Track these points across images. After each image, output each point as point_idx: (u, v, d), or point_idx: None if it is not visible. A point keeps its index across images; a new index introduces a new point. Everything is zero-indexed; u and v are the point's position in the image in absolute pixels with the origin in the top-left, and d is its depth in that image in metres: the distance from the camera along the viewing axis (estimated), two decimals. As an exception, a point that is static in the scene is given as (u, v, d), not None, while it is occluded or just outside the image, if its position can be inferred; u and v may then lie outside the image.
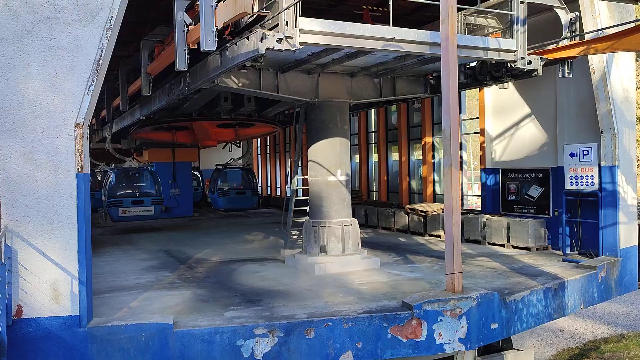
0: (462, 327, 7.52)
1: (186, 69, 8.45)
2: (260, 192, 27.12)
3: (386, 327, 7.21)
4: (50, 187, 6.32)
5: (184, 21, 8.20)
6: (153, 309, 7.78)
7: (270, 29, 7.47)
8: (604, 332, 15.80)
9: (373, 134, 20.93)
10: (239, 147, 25.36)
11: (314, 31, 7.62)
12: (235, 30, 8.51)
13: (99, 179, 25.13)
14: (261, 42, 7.08)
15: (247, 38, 7.40)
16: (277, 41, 7.13)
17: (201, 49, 7.23)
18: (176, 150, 23.44)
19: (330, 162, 10.71)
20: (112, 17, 6.48)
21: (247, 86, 9.91)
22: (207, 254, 13.08)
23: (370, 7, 12.76)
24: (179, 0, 8.32)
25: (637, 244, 11.86)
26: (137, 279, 10.09)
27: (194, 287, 9.25)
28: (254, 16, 7.73)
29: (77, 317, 6.39)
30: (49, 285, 6.29)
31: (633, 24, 9.28)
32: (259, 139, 30.84)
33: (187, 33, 8.18)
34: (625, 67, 11.49)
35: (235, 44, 7.77)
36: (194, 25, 8.06)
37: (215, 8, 7.24)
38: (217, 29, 7.25)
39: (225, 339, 6.67)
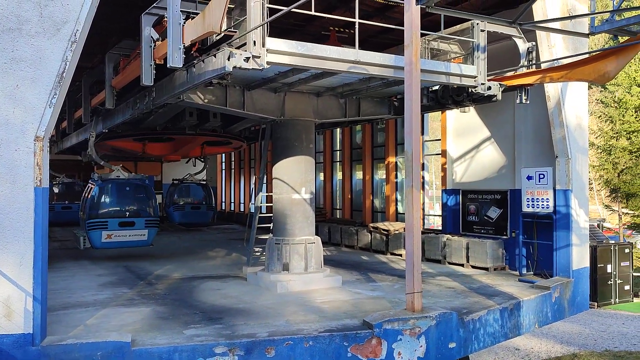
0: (421, 346, 7.64)
1: (152, 84, 8.41)
2: (215, 207, 26.94)
3: (346, 346, 7.26)
4: (6, 201, 6.17)
5: (151, 36, 8.19)
6: (110, 326, 7.62)
7: (238, 48, 7.54)
8: (557, 350, 16.20)
9: (338, 152, 21.13)
10: (203, 162, 25.22)
11: (282, 51, 7.72)
12: (202, 47, 8.55)
13: (56, 190, 24.48)
14: (228, 60, 7.12)
15: (215, 56, 7.44)
16: (244, 60, 7.19)
17: (168, 66, 7.23)
18: (139, 164, 23.10)
19: (295, 180, 10.78)
20: (77, 30, 6.43)
21: (213, 103, 9.91)
22: (168, 270, 12.88)
23: (337, 29, 13.01)
24: (146, 15, 8.32)
25: (588, 265, 12.30)
26: (94, 296, 9.86)
27: (154, 304, 9.10)
28: (222, 34, 7.78)
29: (30, 335, 6.21)
30: (1, 302, 6.10)
31: (586, 56, 9.74)
32: (223, 155, 30.67)
33: (153, 48, 8.17)
34: (579, 95, 12.02)
35: (203, 61, 7.80)
36: (161, 40, 8.06)
37: (183, 25, 7.27)
38: (184, 45, 7.27)
39: (185, 357, 6.59)
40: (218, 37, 8.01)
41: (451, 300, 9.61)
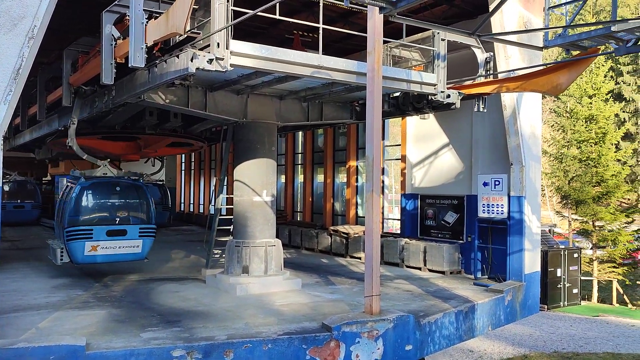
0: (379, 348, 7.77)
1: (112, 83, 8.27)
2: (173, 208, 26.58)
3: (305, 349, 7.31)
4: (-44, 200, 5.94)
5: (112, 34, 8.05)
6: (64, 329, 7.44)
7: (201, 49, 7.50)
8: (509, 352, 16.69)
9: (300, 155, 21.18)
10: (161, 161, 24.85)
11: (246, 54, 7.72)
12: (165, 47, 8.45)
13: (7, 189, 23.61)
14: (192, 61, 7.08)
15: (178, 56, 7.38)
16: (207, 62, 7.16)
17: (130, 65, 7.13)
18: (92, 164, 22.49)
19: (256, 183, 10.77)
20: (35, 26, 6.29)
21: (175, 103, 9.81)
22: (125, 271, 12.64)
23: (301, 33, 13.07)
24: (107, 13, 8.18)
25: (539, 269, 12.74)
26: (47, 298, 9.59)
27: (109, 307, 8.93)
28: (185, 35, 7.73)
29: (-20, 339, 5.98)
30: (-51, 305, 5.88)
31: (540, 68, 10.12)
32: (183, 155, 30.27)
33: (114, 47, 8.03)
34: (533, 105, 12.46)
35: (165, 61, 7.72)
36: (122, 39, 7.94)
37: (145, 25, 7.18)
38: (147, 45, 7.19)
39: (141, 361, 6.51)
40: (181, 38, 7.94)
41: (408, 303, 9.79)
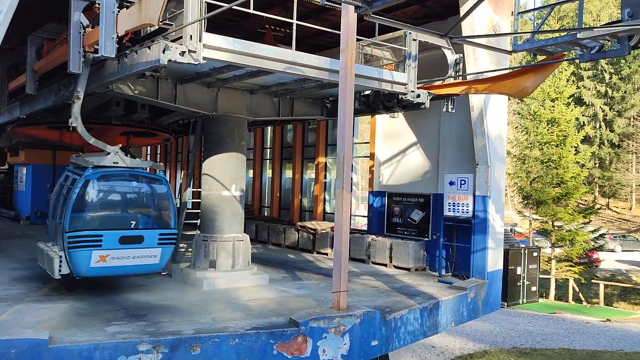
0: (345, 343, 7.85)
1: (80, 72, 8.08)
2: None
3: (272, 344, 7.33)
4: None
5: (81, 22, 7.87)
6: (25, 323, 7.26)
7: (173, 41, 7.41)
8: (470, 347, 17.09)
9: (268, 150, 21.13)
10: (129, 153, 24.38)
11: (218, 47, 7.67)
12: (135, 37, 8.31)
13: None
14: (163, 53, 6.99)
15: (149, 47, 7.27)
16: (180, 54, 7.08)
17: (99, 55, 6.99)
18: (57, 153, 21.91)
19: (225, 177, 10.71)
20: (0, 11, 6.10)
21: (144, 94, 9.66)
22: (87, 265, 12.35)
23: (273, 27, 13.02)
24: (75, 0, 7.98)
25: (501, 267, 13.07)
26: (6, 290, 9.33)
27: (73, 300, 8.75)
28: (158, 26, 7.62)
29: (-63, 332, 5.77)
30: None
31: (507, 71, 10.36)
32: (149, 147, 29.77)
33: (83, 35, 7.86)
34: (500, 107, 12.74)
35: (136, 52, 7.60)
36: (92, 27, 7.77)
37: (117, 14, 7.05)
38: (117, 35, 7.06)
39: (106, 355, 6.41)
40: (153, 29, 7.83)
41: (375, 299, 9.92)
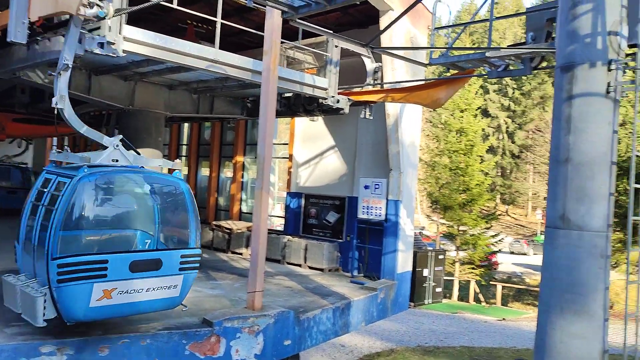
0: (259, 343, 7.92)
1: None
2: None
3: (185, 344, 7.25)
4: None
5: (-11, 3, 7.34)
6: None
7: (91, 31, 7.12)
8: (378, 346, 17.68)
9: (184, 146, 20.68)
10: (27, 143, 22.93)
11: (139, 41, 7.48)
12: (47, 23, 7.89)
13: None
14: (80, 43, 6.72)
15: (64, 36, 6.94)
16: (98, 45, 6.83)
17: (8, 40, 6.57)
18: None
19: (139, 173, 10.39)
20: None
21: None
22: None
23: (194, 23, 12.81)
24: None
25: (410, 269, 13.67)
26: None
27: (-34, 300, 8.11)
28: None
29: None
30: None
31: (422, 82, 10.88)
32: (55, 139, 28.12)
33: (-9, 16, 7.33)
34: (414, 115, 13.32)
35: (49, 39, 7.23)
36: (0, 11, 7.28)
37: (29, -2, 6.66)
38: (29, 20, 6.67)
39: (4, 358, 6.04)
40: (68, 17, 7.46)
41: (289, 299, 10.04)
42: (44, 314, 6.16)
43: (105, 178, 6.85)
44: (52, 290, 6.10)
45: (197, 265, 7.36)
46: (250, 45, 15.48)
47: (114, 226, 7.32)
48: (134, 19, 9.09)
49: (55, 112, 6.66)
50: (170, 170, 7.73)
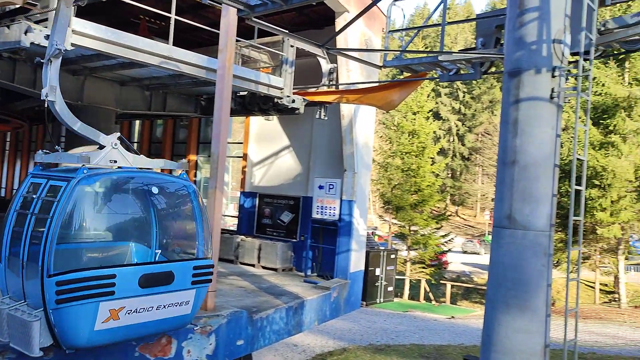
0: (211, 344, 7.84)
1: None
2: None
3: (135, 345, 7.09)
4: None
5: None
6: None
7: (37, 22, 6.89)
8: (330, 345, 17.81)
9: (135, 144, 20.21)
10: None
11: (89, 35, 7.27)
12: (-8, 13, 7.57)
13: None
14: (25, 35, 6.49)
15: (8, 27, 6.69)
16: (45, 37, 6.61)
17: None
18: None
19: (88, 171, 10.10)
20: None
21: (-2, 76, 8.80)
22: None
23: (147, 18, 12.55)
24: None
25: (363, 268, 13.84)
26: None
27: None
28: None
29: None
30: None
31: (377, 84, 11.04)
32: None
33: None
34: (368, 117, 13.50)
35: (-7, 29, 6.93)
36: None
37: (-28, -14, 6.38)
38: (-29, 10, 6.39)
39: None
40: (13, 7, 7.18)
41: (242, 299, 9.99)
42: (40, 341, 5.37)
43: (107, 180, 6.05)
44: (49, 313, 5.32)
45: (210, 278, 6.75)
46: (205, 42, 15.30)
47: (119, 236, 6.47)
48: (84, 12, 8.84)
49: (46, 105, 6.01)
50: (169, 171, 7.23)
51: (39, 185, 6.04)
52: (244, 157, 15.58)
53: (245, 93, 11.69)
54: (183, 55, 8.53)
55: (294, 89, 10.87)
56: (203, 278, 6.52)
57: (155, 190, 6.51)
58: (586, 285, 31.04)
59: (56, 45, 6.00)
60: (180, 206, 6.94)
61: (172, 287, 6.13)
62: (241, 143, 16.27)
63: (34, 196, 5.95)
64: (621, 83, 24.42)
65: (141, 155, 6.53)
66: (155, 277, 5.95)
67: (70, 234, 5.63)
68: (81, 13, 7.34)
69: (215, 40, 8.22)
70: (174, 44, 8.47)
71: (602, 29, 6.44)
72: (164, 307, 6.10)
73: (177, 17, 8.62)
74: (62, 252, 5.44)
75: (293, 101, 10.71)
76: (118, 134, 6.40)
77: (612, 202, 24.49)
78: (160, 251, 6.34)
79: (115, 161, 6.19)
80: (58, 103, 6.12)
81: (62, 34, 6.08)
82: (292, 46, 10.52)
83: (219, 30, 8.38)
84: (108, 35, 7.52)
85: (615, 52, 7.48)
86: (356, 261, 13.12)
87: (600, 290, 30.68)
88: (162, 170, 7.46)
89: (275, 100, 10.88)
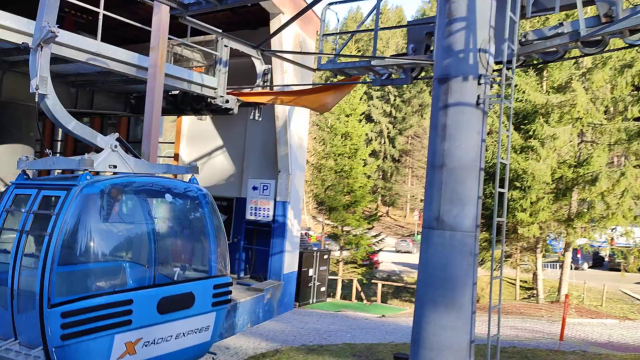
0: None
1: None
2: None
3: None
4: None
5: None
6: None
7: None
8: (263, 347, 17.68)
9: (59, 142, 19.27)
10: None
11: (9, 27, 6.90)
12: None
13: None
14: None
15: None
16: None
17: None
18: None
19: (8, 172, 9.56)
20: None
21: None
22: None
23: (74, 12, 12.03)
24: None
25: (296, 269, 13.90)
26: None
27: None
28: None
29: None
30: None
31: (311, 86, 11.13)
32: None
33: None
34: (302, 118, 13.58)
35: None
36: None
37: None
38: None
39: None
40: None
41: (173, 302, 9.75)
42: None
43: (115, 188, 5.11)
44: (51, 352, 4.26)
45: (229, 298, 5.87)
46: (134, 39, 14.83)
47: (133, 255, 5.42)
48: (4, 3, 8.36)
49: (36, 99, 5.17)
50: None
51: (27, 197, 5.12)
52: (176, 157, 15.24)
53: (177, 92, 11.45)
54: (112, 52, 8.25)
55: (227, 89, 10.77)
56: (223, 299, 5.76)
57: (169, 198, 5.76)
58: (507, 282, 32.62)
59: (48, 27, 5.21)
60: (198, 214, 6.10)
61: (192, 310, 5.32)
62: (172, 143, 15.92)
63: (22, 210, 5.02)
64: (539, 91, 25.87)
65: (142, 159, 5.80)
66: (175, 300, 5.10)
67: (75, 253, 4.62)
68: (2, 5, 6.95)
69: (146, 37, 8.01)
70: (102, 40, 8.18)
71: (523, 40, 6.80)
72: (184, 335, 5.23)
73: (106, 12, 8.32)
74: (66, 276, 4.42)
75: (227, 101, 10.60)
76: (117, 135, 5.67)
77: (531, 203, 25.81)
78: (179, 269, 5.50)
79: (115, 166, 5.40)
80: (50, 98, 5.29)
81: (53, 12, 5.18)
82: (226, 46, 10.41)
83: (150, 27, 8.17)
84: (29, 28, 7.13)
85: (535, 62, 7.94)
86: (290, 262, 13.16)
87: (520, 286, 32.28)
88: (167, 174, 6.78)
89: (209, 100, 10.74)
